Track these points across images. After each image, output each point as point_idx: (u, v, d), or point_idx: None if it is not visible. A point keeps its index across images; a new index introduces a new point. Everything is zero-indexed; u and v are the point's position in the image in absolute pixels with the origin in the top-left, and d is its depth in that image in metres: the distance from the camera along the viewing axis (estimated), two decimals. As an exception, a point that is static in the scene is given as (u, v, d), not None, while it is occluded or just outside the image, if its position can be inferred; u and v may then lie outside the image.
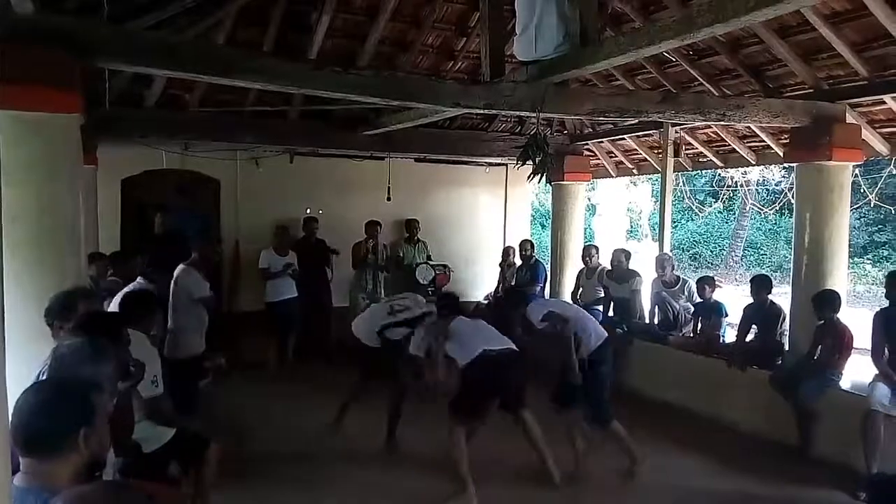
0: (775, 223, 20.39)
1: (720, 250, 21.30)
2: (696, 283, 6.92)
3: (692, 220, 21.42)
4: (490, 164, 9.99)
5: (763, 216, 19.66)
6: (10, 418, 1.68)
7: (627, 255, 7.51)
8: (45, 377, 2.29)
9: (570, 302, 7.83)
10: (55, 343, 2.67)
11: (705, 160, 8.24)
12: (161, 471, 3.39)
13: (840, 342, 5.20)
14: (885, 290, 4.99)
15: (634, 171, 9.44)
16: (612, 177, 9.99)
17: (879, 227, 18.65)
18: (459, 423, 4.49)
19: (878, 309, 5.16)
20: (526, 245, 8.73)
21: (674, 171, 7.76)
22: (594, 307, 7.63)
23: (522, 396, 4.73)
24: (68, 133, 3.60)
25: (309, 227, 8.40)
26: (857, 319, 6.12)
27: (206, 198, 8.56)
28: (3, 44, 3.16)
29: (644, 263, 9.08)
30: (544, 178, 5.02)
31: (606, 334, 4.98)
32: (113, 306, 4.20)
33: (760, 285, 6.11)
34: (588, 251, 8.02)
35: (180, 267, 5.46)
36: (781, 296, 6.69)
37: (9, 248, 1.56)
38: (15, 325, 2.42)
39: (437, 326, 4.86)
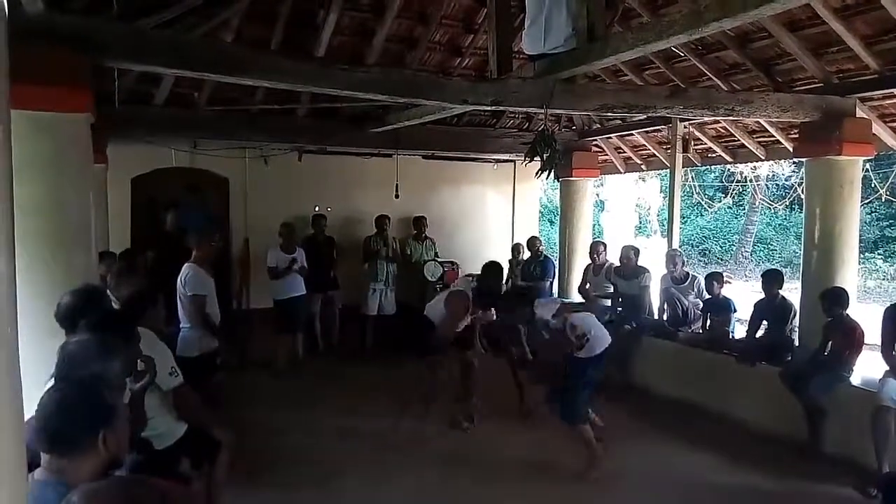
0: (785, 218, 20.28)
1: (730, 246, 21.20)
2: (706, 278, 6.88)
3: (701, 215, 21.34)
4: (498, 161, 9.99)
5: (773, 211, 19.56)
6: (26, 413, 1.74)
7: (636, 251, 7.49)
8: (53, 374, 2.31)
9: (580, 298, 7.88)
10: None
11: (714, 155, 8.21)
12: (172, 468, 3.41)
13: (850, 338, 5.17)
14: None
15: (643, 166, 9.42)
16: (621, 172, 9.96)
17: (890, 221, 18.51)
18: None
19: (888, 304, 5.13)
20: (534, 241, 8.73)
21: (683, 167, 7.73)
22: (603, 303, 7.64)
23: None
24: (79, 132, 3.63)
25: (317, 224, 8.44)
26: (868, 315, 6.08)
27: (215, 196, 8.60)
28: (13, 43, 3.17)
29: (653, 259, 9.05)
30: (552, 174, 5.03)
31: (610, 341, 5.03)
32: None
33: (772, 280, 6.06)
34: (596, 247, 8.00)
35: (185, 265, 5.49)
36: (791, 291, 6.65)
37: (20, 246, 1.58)
38: (24, 322, 2.44)
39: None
